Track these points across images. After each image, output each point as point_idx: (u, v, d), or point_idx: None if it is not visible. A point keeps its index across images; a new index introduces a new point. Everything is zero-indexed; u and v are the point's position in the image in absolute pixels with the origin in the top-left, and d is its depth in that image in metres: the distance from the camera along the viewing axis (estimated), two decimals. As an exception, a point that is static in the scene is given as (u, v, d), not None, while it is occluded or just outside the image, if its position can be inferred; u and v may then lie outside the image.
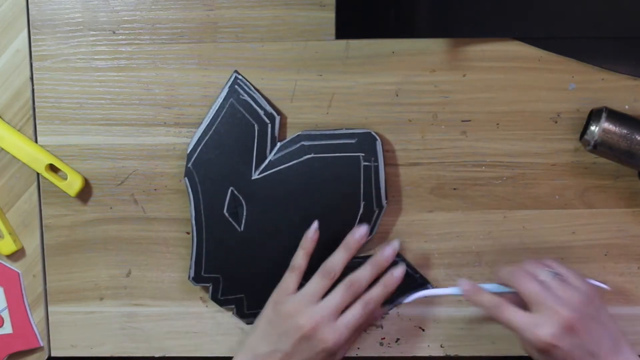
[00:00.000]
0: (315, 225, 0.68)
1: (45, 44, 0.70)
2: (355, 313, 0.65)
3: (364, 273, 0.66)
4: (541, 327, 0.60)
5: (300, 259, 0.67)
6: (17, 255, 0.73)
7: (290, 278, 0.67)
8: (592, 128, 0.66)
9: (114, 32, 0.70)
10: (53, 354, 0.74)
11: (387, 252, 0.68)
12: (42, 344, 0.74)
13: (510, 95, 0.69)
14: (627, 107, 0.69)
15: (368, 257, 0.71)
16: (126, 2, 0.69)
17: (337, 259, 0.67)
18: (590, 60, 0.68)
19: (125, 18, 0.69)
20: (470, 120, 0.69)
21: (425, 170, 0.70)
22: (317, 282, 0.66)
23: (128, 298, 0.73)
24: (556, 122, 0.69)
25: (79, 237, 0.73)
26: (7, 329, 0.73)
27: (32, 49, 0.70)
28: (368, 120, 0.70)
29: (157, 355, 0.74)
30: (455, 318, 0.72)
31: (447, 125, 0.70)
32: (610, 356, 0.60)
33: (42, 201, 0.72)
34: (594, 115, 0.66)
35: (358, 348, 0.73)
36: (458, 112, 0.69)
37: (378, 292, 0.66)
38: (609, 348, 0.60)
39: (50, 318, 0.74)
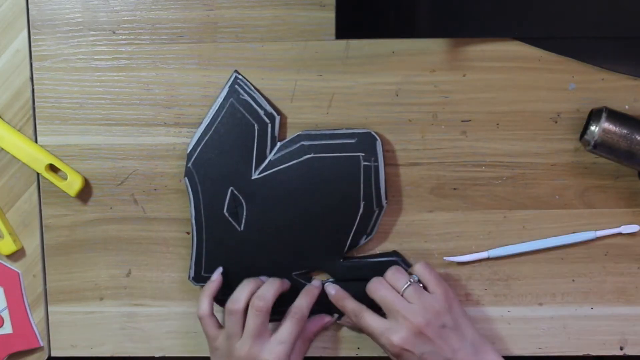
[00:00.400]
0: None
1: (45, 44, 0.70)
2: (284, 327, 0.66)
3: (264, 289, 0.67)
4: (393, 332, 0.63)
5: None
6: (17, 255, 0.73)
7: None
8: (592, 128, 0.66)
9: (114, 32, 0.70)
10: (53, 354, 0.74)
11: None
12: (42, 344, 0.74)
13: (510, 95, 0.69)
14: (627, 107, 0.69)
15: (368, 257, 0.71)
16: (126, 2, 0.69)
17: (242, 291, 0.67)
18: (590, 60, 0.68)
19: (125, 18, 0.69)
20: (470, 120, 0.69)
21: (425, 170, 0.70)
22: (228, 320, 0.66)
23: (128, 298, 0.73)
24: (556, 122, 0.69)
25: (79, 237, 0.73)
26: (7, 329, 0.73)
27: (32, 49, 0.70)
28: (368, 120, 0.70)
29: (157, 355, 0.74)
30: (455, 318, 0.72)
31: (447, 125, 0.70)
32: None
33: (42, 201, 0.72)
34: (594, 115, 0.66)
35: (358, 348, 0.73)
36: (458, 112, 0.69)
37: (301, 301, 0.68)
38: (468, 354, 0.63)
39: (50, 318, 0.74)
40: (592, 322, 0.72)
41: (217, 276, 0.70)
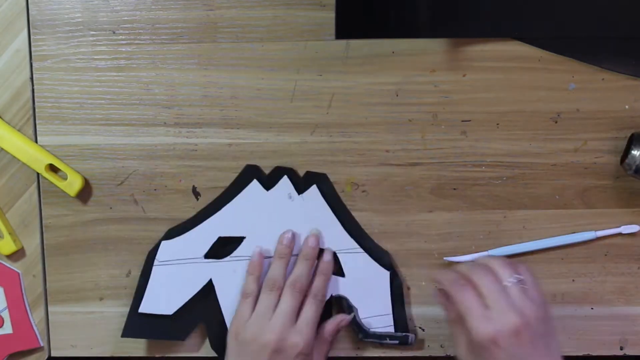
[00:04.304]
0: (257, 250, 0.69)
1: (45, 44, 0.70)
2: (309, 309, 0.67)
3: (301, 269, 0.68)
4: (491, 321, 0.58)
5: (251, 284, 0.68)
6: (17, 255, 0.73)
7: (244, 305, 0.68)
8: (634, 152, 0.65)
9: (114, 32, 0.70)
10: (53, 354, 0.74)
11: (310, 242, 0.69)
12: (42, 344, 0.74)
13: (510, 95, 0.69)
14: (627, 107, 0.69)
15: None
16: (126, 2, 0.69)
17: (277, 269, 0.68)
18: (590, 60, 0.68)
19: (125, 18, 0.69)
20: (470, 120, 0.70)
21: (425, 170, 0.70)
22: (265, 298, 0.67)
23: (128, 298, 0.73)
24: (556, 122, 0.69)
25: (79, 237, 0.72)
26: (7, 329, 0.73)
27: (32, 49, 0.70)
28: (368, 120, 0.70)
29: (157, 355, 0.74)
30: (455, 318, 0.72)
31: (447, 125, 0.70)
32: None
33: (42, 201, 0.72)
34: (635, 140, 0.66)
35: (358, 348, 0.73)
36: (458, 112, 0.69)
37: (319, 281, 0.69)
38: None
39: (50, 318, 0.74)
40: (592, 322, 0.72)
41: (257, 257, 0.69)
